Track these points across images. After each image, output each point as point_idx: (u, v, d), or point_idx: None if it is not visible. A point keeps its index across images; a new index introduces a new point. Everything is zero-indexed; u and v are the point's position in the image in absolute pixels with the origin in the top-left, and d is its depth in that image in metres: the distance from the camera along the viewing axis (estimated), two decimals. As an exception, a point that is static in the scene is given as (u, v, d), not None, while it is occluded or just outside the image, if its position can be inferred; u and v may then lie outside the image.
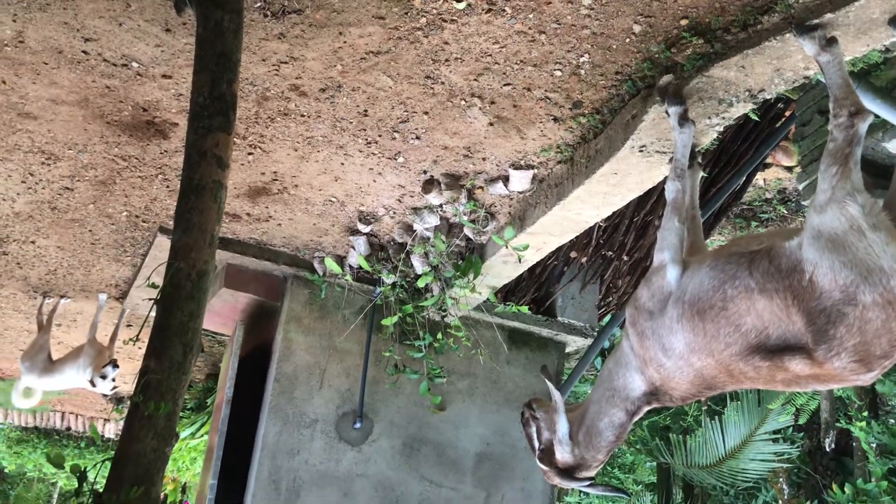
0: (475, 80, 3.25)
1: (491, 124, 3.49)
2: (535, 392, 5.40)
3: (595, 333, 5.55)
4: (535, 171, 3.74)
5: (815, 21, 2.39)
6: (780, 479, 10.88)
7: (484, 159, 3.76)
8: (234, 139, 3.84)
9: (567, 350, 5.69)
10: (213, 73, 2.49)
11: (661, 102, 2.91)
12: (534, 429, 2.96)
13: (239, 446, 5.05)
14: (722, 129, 3.04)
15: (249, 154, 3.97)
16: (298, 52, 3.21)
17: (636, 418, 2.73)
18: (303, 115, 3.62)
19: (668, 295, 2.55)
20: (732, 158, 5.31)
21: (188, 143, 2.47)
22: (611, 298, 6.00)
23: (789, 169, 6.48)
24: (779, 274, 2.25)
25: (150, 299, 4.99)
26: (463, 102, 3.39)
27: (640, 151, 3.13)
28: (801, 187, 5.08)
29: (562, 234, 3.94)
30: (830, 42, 2.34)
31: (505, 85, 3.26)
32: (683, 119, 2.80)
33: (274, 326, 5.10)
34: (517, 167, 3.74)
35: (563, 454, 2.80)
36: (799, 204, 6.87)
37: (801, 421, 10.99)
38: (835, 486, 9.46)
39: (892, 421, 10.30)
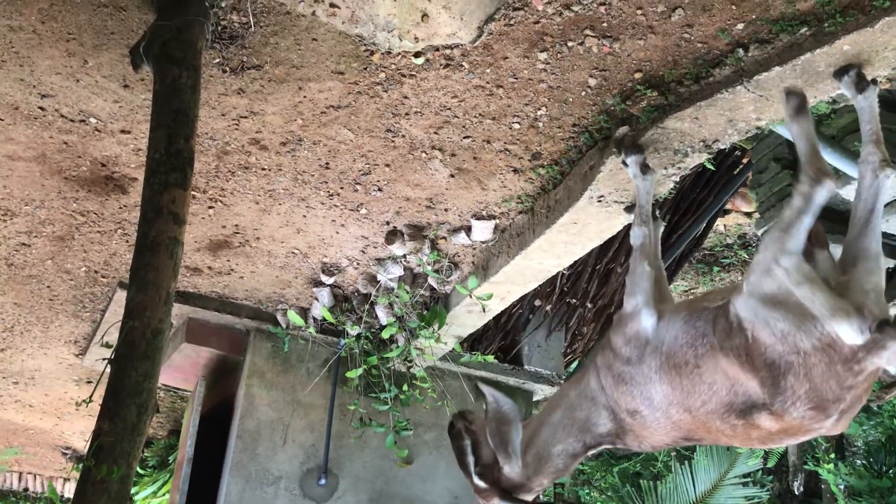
0: (435, 133, 3.28)
1: (452, 176, 3.51)
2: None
3: (562, 381, 5.54)
4: (497, 221, 3.76)
5: (787, 87, 2.39)
6: (752, 524, 10.82)
7: (446, 210, 3.77)
8: (195, 193, 3.82)
9: (535, 398, 5.66)
10: (169, 129, 2.48)
11: (617, 154, 2.95)
12: (468, 442, 2.77)
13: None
14: (679, 179, 3.09)
15: (210, 208, 3.95)
16: (258, 107, 3.22)
17: (591, 453, 2.66)
18: (264, 169, 3.61)
19: (646, 342, 2.53)
20: (692, 205, 5.38)
21: (144, 200, 2.45)
22: (576, 345, 6.01)
23: (748, 214, 6.60)
24: (732, 332, 2.28)
25: (104, 359, 4.91)
26: (424, 155, 3.41)
27: (599, 201, 3.17)
28: (759, 233, 5.16)
29: (525, 283, 3.95)
30: (800, 110, 2.30)
31: (465, 137, 3.29)
32: (644, 167, 2.84)
33: (236, 381, 5.02)
34: (479, 217, 3.75)
35: (511, 470, 2.63)
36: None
37: (770, 464, 11.01)
38: (805, 529, 9.44)
39: (858, 462, 10.34)
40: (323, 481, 4.82)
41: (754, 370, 2.22)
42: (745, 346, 2.24)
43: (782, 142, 4.90)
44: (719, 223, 6.29)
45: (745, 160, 5.41)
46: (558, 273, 5.17)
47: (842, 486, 9.67)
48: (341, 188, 3.68)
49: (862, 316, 2.06)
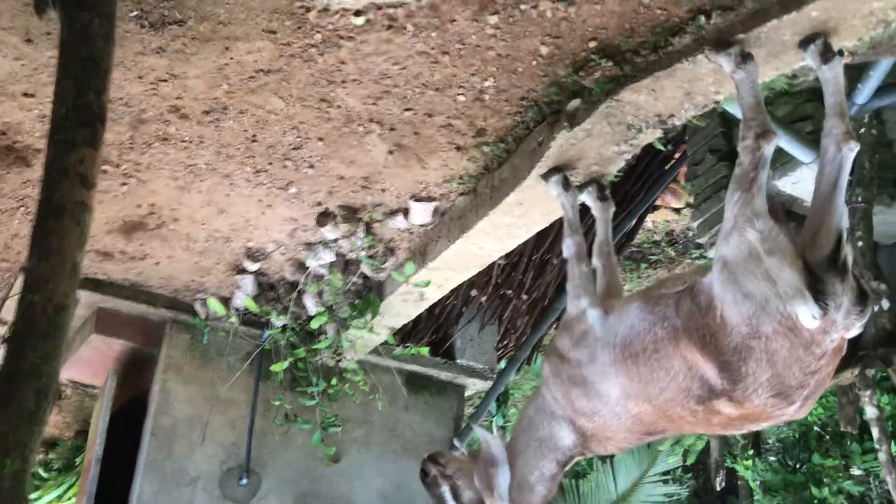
0: (374, 104, 3.06)
1: (390, 152, 3.30)
2: (435, 439, 5.16)
3: (494, 376, 5.39)
4: (437, 203, 3.56)
5: (732, 38, 2.33)
6: (671, 521, 10.92)
7: (383, 190, 3.55)
8: (106, 167, 3.50)
9: (467, 393, 5.49)
10: (78, 80, 2.19)
11: (569, 128, 2.80)
12: (446, 489, 2.70)
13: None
14: (631, 157, 2.95)
15: (123, 184, 3.62)
16: (179, 69, 2.93)
17: (568, 468, 2.60)
18: (184, 141, 3.32)
19: (595, 341, 2.47)
20: (624, 200, 5.32)
21: (48, 160, 2.15)
22: (508, 340, 5.87)
23: (677, 210, 6.59)
24: (699, 312, 2.21)
25: None
26: (361, 128, 3.18)
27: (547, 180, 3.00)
28: (695, 225, 5.11)
29: (465, 270, 3.77)
30: (746, 58, 2.29)
31: (406, 110, 3.08)
32: (565, 184, 2.90)
33: (151, 376, 4.68)
34: (418, 199, 3.55)
35: None
36: (686, 246, 6.99)
37: (690, 461, 11.15)
38: (722, 526, 9.56)
39: (772, 458, 10.55)
40: (244, 481, 4.53)
41: (714, 354, 2.13)
42: (713, 326, 2.13)
43: (718, 133, 4.87)
44: (648, 220, 6.26)
45: (676, 155, 5.38)
46: (495, 263, 5.03)
47: (758, 482, 9.85)
48: (269, 164, 3.42)
49: (816, 298, 1.98)
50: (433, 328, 5.37)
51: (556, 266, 5.19)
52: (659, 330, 2.27)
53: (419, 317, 5.26)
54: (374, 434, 4.99)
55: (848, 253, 2.06)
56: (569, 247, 2.80)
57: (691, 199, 5.49)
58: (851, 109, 3.59)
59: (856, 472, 9.48)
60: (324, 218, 3.67)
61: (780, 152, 4.65)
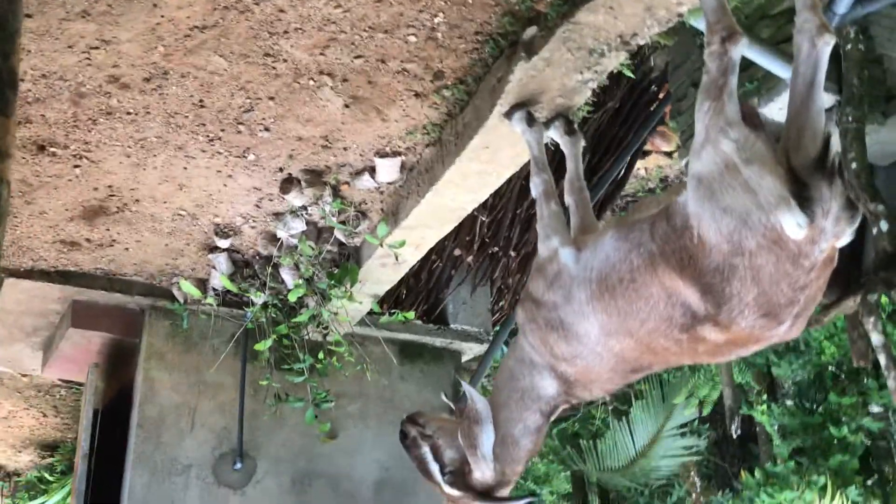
0: (321, 53, 2.88)
1: (347, 106, 3.12)
2: (434, 408, 5.02)
3: (490, 338, 5.24)
4: (403, 157, 3.39)
5: None
6: (692, 473, 10.87)
7: (345, 149, 3.37)
8: (54, 150, 3.34)
9: (464, 359, 5.34)
10: (-21, 42, 2.02)
11: (527, 59, 2.62)
12: (427, 449, 2.55)
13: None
14: (596, 86, 2.77)
15: (76, 167, 3.45)
16: (109, 34, 2.75)
17: (553, 418, 2.44)
18: (129, 113, 3.15)
19: (570, 280, 2.30)
20: (612, 144, 5.14)
21: (-45, 131, 1.98)
22: (503, 301, 5.71)
23: (669, 154, 6.38)
24: (675, 234, 2.04)
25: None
26: (311, 82, 3.01)
27: (510, 118, 2.82)
28: (683, 164, 4.92)
29: (440, 226, 3.59)
30: None
31: (356, 58, 2.90)
32: (529, 120, 2.75)
33: (134, 366, 4.54)
34: (382, 155, 3.37)
35: (485, 472, 2.44)
36: (682, 191, 6.81)
37: (706, 412, 11.05)
38: (744, 473, 9.48)
39: (789, 402, 10.44)
40: (238, 465, 4.40)
41: (695, 277, 1.96)
42: (690, 248, 1.96)
43: (699, 67, 4.68)
44: (640, 166, 6.07)
45: (661, 96, 5.19)
46: (478, 220, 4.86)
47: (776, 427, 9.73)
48: (222, 130, 3.24)
49: (801, 205, 1.81)
50: (423, 295, 5.21)
51: (543, 219, 5.01)
52: (635, 258, 2.10)
53: (408, 284, 5.12)
54: (370, 407, 4.85)
55: (837, 155, 1.89)
56: (537, 185, 2.65)
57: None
58: (833, 20, 3.39)
59: (874, 409, 9.36)
60: (287, 184, 3.50)
61: (765, 77, 4.47)
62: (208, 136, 3.27)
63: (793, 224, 1.81)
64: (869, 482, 9.69)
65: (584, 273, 2.28)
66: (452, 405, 3.68)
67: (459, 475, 2.47)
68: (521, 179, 4.55)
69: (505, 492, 2.48)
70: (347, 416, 4.75)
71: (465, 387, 2.67)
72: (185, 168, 3.46)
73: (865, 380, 9.54)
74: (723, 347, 2.03)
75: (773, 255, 1.87)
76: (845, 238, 1.88)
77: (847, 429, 9.51)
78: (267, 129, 3.23)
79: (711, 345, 2.02)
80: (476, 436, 2.47)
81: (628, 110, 5.04)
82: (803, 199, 1.82)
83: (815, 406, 10.12)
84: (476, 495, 2.45)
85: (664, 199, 2.16)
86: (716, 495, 10.62)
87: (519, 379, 2.46)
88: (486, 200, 4.44)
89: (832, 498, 8.67)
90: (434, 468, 2.53)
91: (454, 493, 2.46)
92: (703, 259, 1.94)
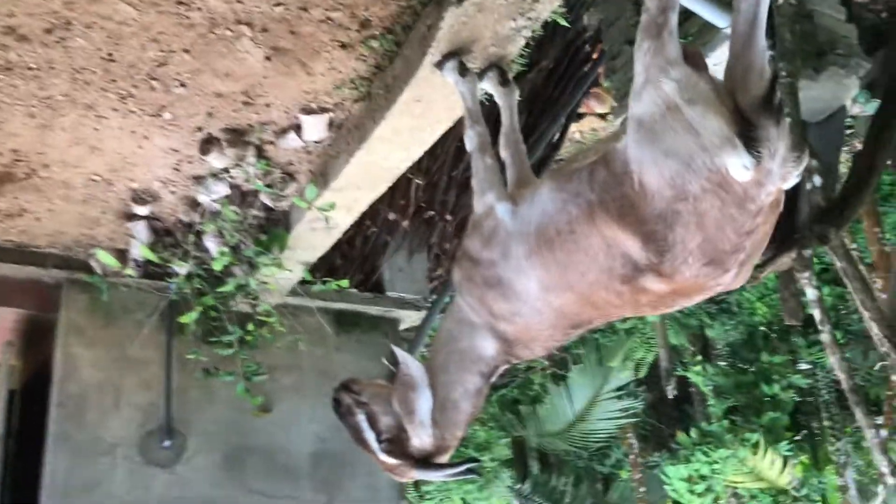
0: (238, 1, 2.68)
1: (268, 58, 2.93)
2: (371, 377, 4.89)
3: (429, 305, 5.13)
4: (331, 114, 3.22)
5: None
6: (629, 435, 11.02)
7: (268, 105, 3.19)
8: (-51, 110, 3.06)
9: (402, 326, 5.23)
10: None
11: (457, 4, 2.48)
12: (362, 417, 2.42)
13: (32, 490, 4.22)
14: (530, 33, 2.64)
15: (-25, 129, 3.19)
16: (2, -22, 2.52)
17: (493, 380, 2.34)
18: (31, 69, 2.90)
19: (507, 236, 2.21)
20: (546, 106, 5.05)
21: None
22: (441, 268, 5.60)
23: (603, 116, 6.33)
24: (614, 181, 1.94)
25: None
26: (229, 33, 2.81)
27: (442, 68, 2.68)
28: (618, 123, 4.87)
29: (372, 187, 3.45)
30: None
31: (276, 5, 2.71)
32: (462, 70, 2.61)
33: (53, 343, 4.29)
34: (308, 112, 3.20)
35: (423, 438, 2.34)
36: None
37: (642, 375, 11.21)
38: (680, 433, 9.64)
39: (722, 363, 10.64)
40: (167, 443, 4.21)
41: (635, 225, 1.87)
42: (631, 195, 1.86)
43: (634, 23, 4.60)
44: (574, 129, 6.00)
45: (594, 56, 5.10)
46: (413, 184, 4.72)
47: (710, 387, 9.91)
48: (134, 87, 3.02)
49: (747, 146, 1.72)
50: (359, 262, 5.06)
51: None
52: (572, 208, 2.00)
53: (342, 252, 4.96)
54: (305, 379, 4.70)
55: (782, 96, 1.80)
56: (471, 138, 2.52)
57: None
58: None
59: (803, 366, 9.62)
60: (207, 145, 3.30)
61: (699, 32, 4.41)
62: (119, 93, 3.04)
63: (739, 166, 1.73)
64: (798, 437, 9.98)
65: (522, 227, 2.19)
66: (394, 369, 3.58)
67: (396, 442, 2.35)
68: (456, 140, 4.42)
69: (444, 458, 2.38)
70: (282, 389, 4.60)
71: (398, 351, 2.55)
72: (97, 129, 3.23)
73: (794, 338, 9.77)
74: (666, 298, 1.95)
75: (718, 200, 1.79)
76: (792, 180, 1.81)
77: (778, 386, 9.75)
78: (183, 85, 3.03)
79: (654, 296, 1.94)
80: (412, 401, 2.36)
81: (563, 70, 4.94)
82: (749, 139, 1.73)
83: (747, 365, 10.33)
84: (414, 463, 2.35)
85: (602, 146, 2.07)
86: (653, 456, 10.82)
87: (457, 340, 2.36)
88: (421, 163, 4.31)
89: (764, 454, 8.90)
90: (370, 436, 2.40)
91: (391, 461, 2.35)
92: (645, 206, 1.86)
